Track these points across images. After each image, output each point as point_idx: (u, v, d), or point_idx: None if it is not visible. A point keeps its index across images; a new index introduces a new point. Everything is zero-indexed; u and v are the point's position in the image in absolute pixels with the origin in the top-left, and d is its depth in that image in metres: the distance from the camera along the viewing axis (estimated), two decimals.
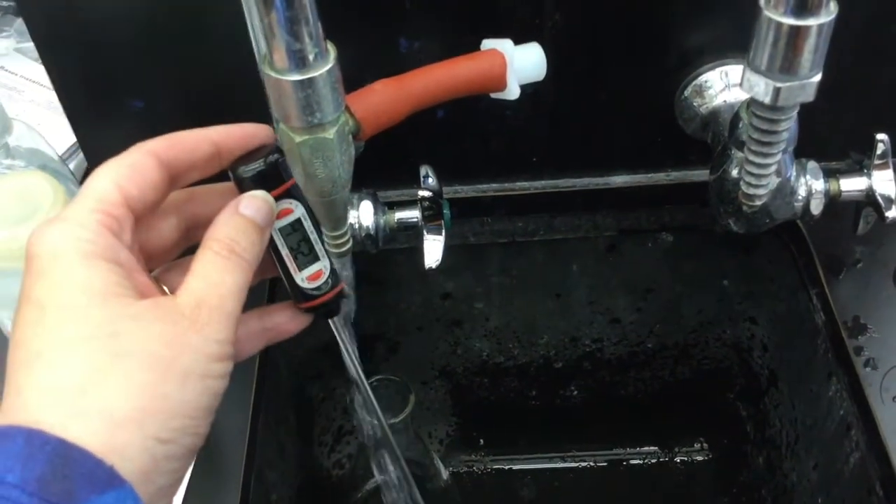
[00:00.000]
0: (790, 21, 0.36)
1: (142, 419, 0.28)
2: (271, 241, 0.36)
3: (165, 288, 0.34)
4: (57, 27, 0.57)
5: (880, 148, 0.54)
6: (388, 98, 0.37)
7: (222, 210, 0.34)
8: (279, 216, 0.36)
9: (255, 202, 0.34)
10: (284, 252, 0.36)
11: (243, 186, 0.35)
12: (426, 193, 0.55)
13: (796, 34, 0.36)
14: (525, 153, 0.65)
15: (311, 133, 0.34)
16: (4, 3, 0.81)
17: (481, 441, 0.86)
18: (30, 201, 0.52)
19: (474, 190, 0.67)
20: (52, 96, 0.61)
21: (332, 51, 0.34)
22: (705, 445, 0.85)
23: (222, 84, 0.59)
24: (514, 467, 0.85)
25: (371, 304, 0.74)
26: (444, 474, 0.69)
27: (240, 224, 0.34)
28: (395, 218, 0.56)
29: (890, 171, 0.55)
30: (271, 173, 0.35)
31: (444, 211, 0.55)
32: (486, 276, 0.74)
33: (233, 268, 0.32)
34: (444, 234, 0.55)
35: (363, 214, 0.56)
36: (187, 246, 0.36)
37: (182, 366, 0.30)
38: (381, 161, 0.60)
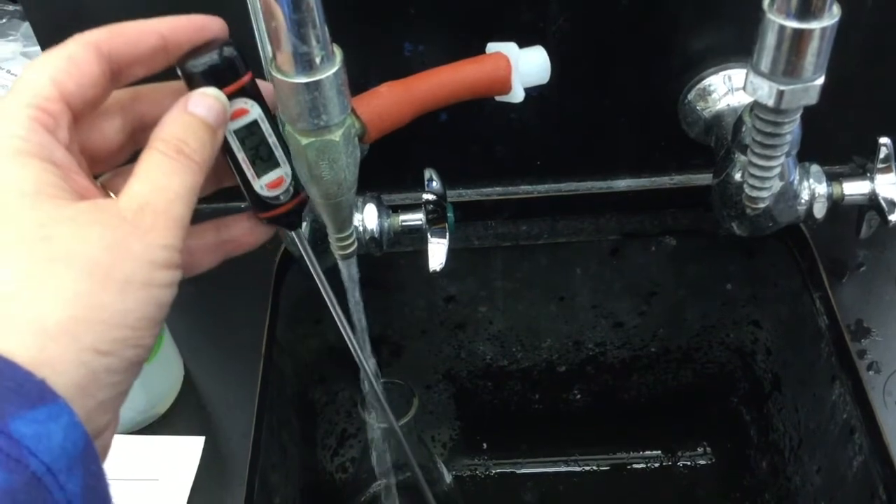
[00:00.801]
0: (794, 24, 0.36)
1: (77, 330, 0.26)
2: (226, 144, 0.33)
3: (112, 194, 0.32)
4: (63, 31, 0.57)
5: (883, 152, 0.54)
6: (393, 101, 0.37)
7: (170, 109, 0.31)
8: (233, 117, 0.33)
9: (205, 100, 0.31)
10: (241, 157, 0.34)
11: (193, 83, 0.32)
12: (430, 197, 0.55)
13: (800, 37, 0.36)
14: (529, 157, 0.65)
15: (317, 135, 0.35)
16: (10, 8, 0.81)
17: (484, 445, 0.86)
18: None
19: (478, 193, 0.67)
20: None
21: (338, 54, 0.34)
22: (708, 450, 0.85)
23: None
24: (518, 471, 0.85)
25: (375, 307, 0.74)
26: (448, 478, 0.69)
27: (189, 123, 0.31)
28: (400, 221, 0.57)
29: (893, 175, 0.55)
30: (224, 68, 0.32)
31: (448, 214, 0.55)
32: (490, 279, 0.74)
33: (181, 169, 0.30)
34: (447, 237, 0.55)
35: (367, 217, 0.56)
36: (135, 150, 0.33)
37: (122, 273, 0.27)
38: (386, 164, 0.60)
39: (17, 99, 0.29)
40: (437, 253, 0.55)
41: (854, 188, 0.55)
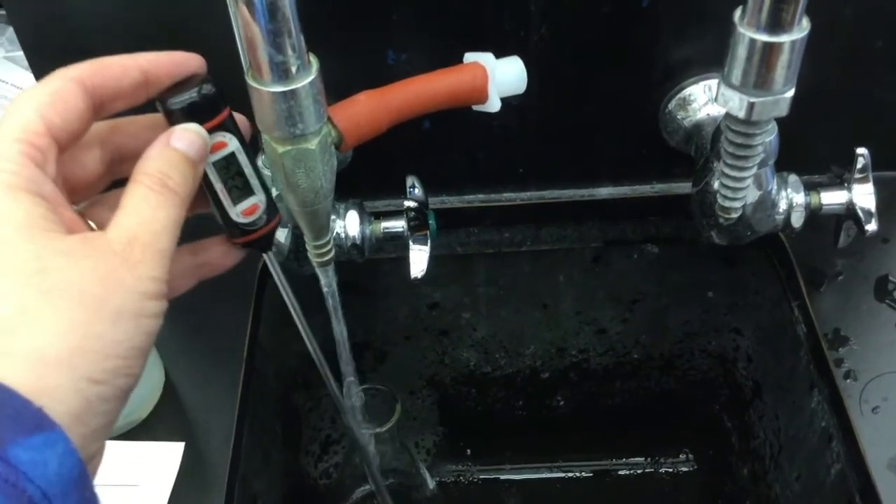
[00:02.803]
0: (763, 38, 0.37)
1: (73, 359, 0.27)
2: (204, 175, 0.34)
3: (92, 224, 0.33)
4: (46, 36, 0.57)
5: (860, 162, 0.55)
6: (370, 109, 0.37)
7: (153, 143, 0.32)
8: (212, 150, 0.34)
9: (187, 135, 0.33)
10: (218, 187, 0.35)
11: (173, 118, 0.33)
12: (412, 204, 0.55)
13: (769, 50, 0.37)
14: (511, 164, 0.66)
15: (293, 144, 0.35)
16: None
17: (468, 451, 0.86)
18: None
19: (461, 200, 0.67)
20: None
21: (314, 63, 0.34)
22: (691, 456, 0.85)
23: None
24: (501, 477, 0.85)
25: (359, 313, 0.74)
26: (431, 484, 0.69)
27: (172, 158, 0.32)
28: (381, 228, 0.57)
29: (870, 185, 0.55)
30: (203, 105, 0.33)
31: (430, 221, 0.56)
32: (473, 286, 0.74)
33: (165, 203, 0.31)
34: (429, 244, 0.56)
35: (349, 224, 0.56)
36: (111, 180, 0.35)
37: (115, 304, 0.28)
38: (369, 171, 0.61)
39: (6, 134, 0.30)
40: (419, 260, 0.56)
41: (831, 198, 0.56)
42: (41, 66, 0.59)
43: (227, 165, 0.35)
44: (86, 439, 0.28)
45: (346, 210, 0.57)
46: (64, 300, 0.28)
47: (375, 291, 0.74)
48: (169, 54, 0.33)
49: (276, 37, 0.32)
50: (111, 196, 0.33)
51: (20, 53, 0.74)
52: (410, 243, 0.56)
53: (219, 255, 0.37)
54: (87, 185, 0.34)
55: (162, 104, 0.33)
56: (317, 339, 0.43)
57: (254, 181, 0.36)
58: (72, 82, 0.31)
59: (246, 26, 0.32)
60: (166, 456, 0.54)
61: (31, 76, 0.64)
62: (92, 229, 0.32)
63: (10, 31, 0.79)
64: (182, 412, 0.57)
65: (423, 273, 0.56)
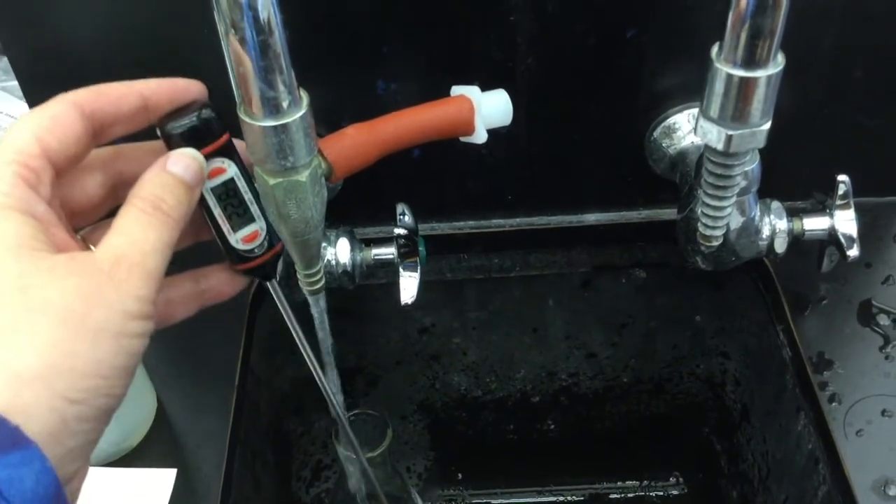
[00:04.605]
0: (740, 73, 0.38)
1: (50, 377, 0.27)
2: (203, 201, 0.35)
3: (92, 248, 0.33)
4: (41, 66, 0.58)
5: (842, 188, 0.56)
6: (359, 142, 0.38)
7: (149, 167, 0.33)
8: (211, 175, 0.34)
9: (183, 159, 0.33)
10: (217, 212, 0.35)
11: (172, 143, 0.34)
12: (402, 231, 0.56)
13: (746, 85, 0.38)
14: (500, 191, 0.67)
15: (284, 176, 0.36)
16: None
17: (459, 475, 0.86)
18: None
19: (451, 227, 0.68)
20: None
21: (304, 98, 0.35)
22: (681, 479, 0.86)
23: None
24: (493, 501, 0.86)
25: (350, 338, 0.75)
26: None
27: (167, 181, 0.32)
28: (372, 255, 0.58)
29: (851, 212, 0.56)
30: (202, 130, 0.34)
31: (420, 248, 0.56)
32: (464, 311, 0.75)
33: (157, 224, 0.31)
34: (419, 270, 0.56)
35: (340, 251, 0.57)
36: (114, 206, 0.34)
37: (95, 322, 0.28)
38: (360, 198, 0.62)
39: (1, 155, 0.30)
40: (409, 286, 0.56)
41: (814, 224, 0.57)
42: (36, 95, 0.60)
43: (226, 191, 0.35)
44: (63, 459, 0.27)
45: (337, 237, 0.57)
46: (44, 318, 0.28)
47: (366, 316, 0.74)
48: (170, 80, 0.34)
49: (268, 73, 0.33)
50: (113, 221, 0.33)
51: (14, 83, 0.75)
52: (401, 270, 0.57)
53: (221, 283, 0.37)
54: (88, 208, 0.35)
55: (161, 129, 0.34)
56: (308, 366, 0.43)
57: (254, 208, 0.36)
58: (70, 106, 0.32)
59: (238, 63, 0.33)
60: (158, 483, 0.54)
61: (25, 106, 0.65)
62: (89, 251, 0.32)
63: (5, 60, 0.80)
64: (174, 439, 0.57)
65: (413, 299, 0.56)
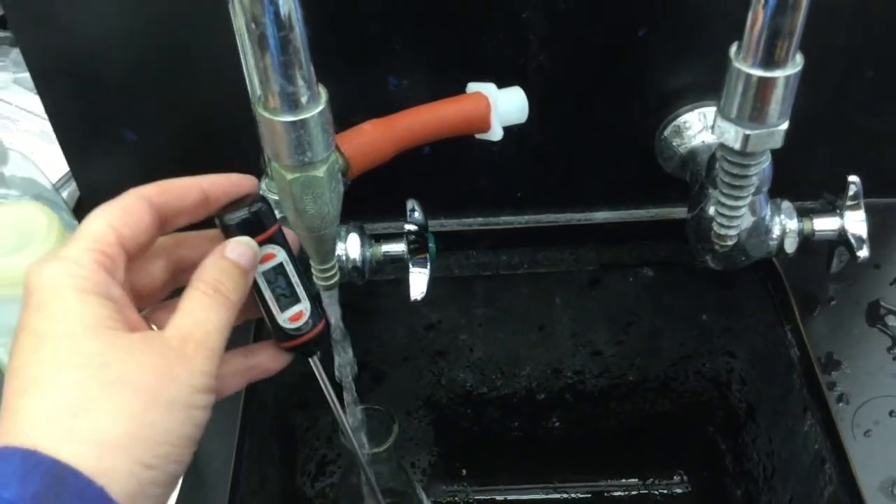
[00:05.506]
0: (759, 73, 0.38)
1: (129, 444, 0.30)
2: (255, 284, 0.38)
3: (154, 326, 0.36)
4: (53, 59, 0.58)
5: (852, 189, 0.56)
6: (376, 138, 0.38)
7: (209, 254, 0.36)
8: (262, 261, 0.37)
9: (239, 247, 0.36)
10: (267, 294, 0.38)
11: (229, 232, 0.37)
12: (412, 227, 0.56)
13: (764, 85, 0.38)
14: (510, 189, 0.67)
15: (302, 171, 0.36)
16: (1, 35, 0.82)
17: (464, 471, 0.87)
18: (25, 231, 0.53)
19: (460, 224, 0.68)
20: (45, 125, 0.61)
21: (323, 93, 0.35)
22: (685, 478, 0.86)
23: (212, 118, 0.60)
24: (497, 498, 0.86)
25: (357, 333, 0.74)
26: None
27: (225, 267, 0.35)
28: (382, 251, 0.58)
29: (861, 212, 0.56)
30: (255, 221, 0.37)
31: (430, 244, 0.56)
32: (471, 308, 0.75)
33: (218, 306, 0.34)
34: (429, 267, 0.56)
35: (350, 247, 0.57)
36: (175, 288, 0.38)
37: (168, 395, 0.31)
38: (370, 194, 0.61)
39: (81, 243, 0.33)
40: (419, 282, 0.56)
41: (824, 224, 0.57)
42: (47, 88, 0.60)
43: (276, 275, 0.38)
44: None
45: (348, 233, 0.57)
46: (122, 391, 0.31)
47: (372, 312, 0.74)
48: (226, 176, 0.37)
49: (288, 69, 0.33)
50: (173, 302, 0.36)
51: (26, 75, 0.75)
52: (410, 266, 0.57)
53: (268, 359, 0.40)
54: (152, 291, 0.38)
55: (219, 219, 0.37)
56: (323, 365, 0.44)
57: (300, 290, 0.39)
58: (141, 200, 0.35)
59: (258, 59, 0.33)
60: None
61: (36, 98, 0.65)
62: (153, 330, 0.35)
63: (16, 52, 0.80)
64: None
65: (422, 295, 0.56)
